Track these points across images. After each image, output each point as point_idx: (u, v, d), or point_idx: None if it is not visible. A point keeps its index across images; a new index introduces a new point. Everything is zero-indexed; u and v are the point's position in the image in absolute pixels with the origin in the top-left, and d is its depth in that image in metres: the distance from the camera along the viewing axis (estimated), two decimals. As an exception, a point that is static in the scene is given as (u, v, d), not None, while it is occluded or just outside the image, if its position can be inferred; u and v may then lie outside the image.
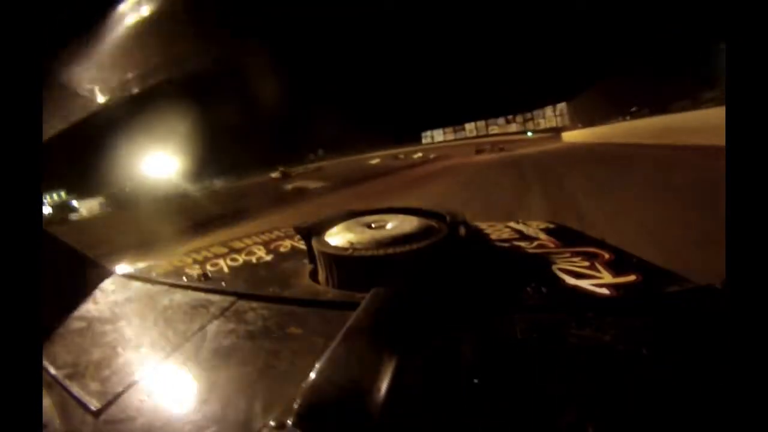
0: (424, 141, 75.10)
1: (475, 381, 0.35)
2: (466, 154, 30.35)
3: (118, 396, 0.41)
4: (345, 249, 0.58)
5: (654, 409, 0.31)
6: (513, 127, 59.46)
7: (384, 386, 0.31)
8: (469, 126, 69.50)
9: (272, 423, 0.33)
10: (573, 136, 27.73)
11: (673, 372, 0.35)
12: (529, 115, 57.06)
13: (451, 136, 71.44)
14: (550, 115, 53.04)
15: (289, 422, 0.30)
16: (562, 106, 50.53)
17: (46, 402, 0.42)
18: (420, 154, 40.24)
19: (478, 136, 65.03)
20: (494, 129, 63.66)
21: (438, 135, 74.35)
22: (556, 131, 47.31)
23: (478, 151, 31.18)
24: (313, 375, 0.33)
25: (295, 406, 0.31)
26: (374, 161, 39.16)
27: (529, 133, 54.30)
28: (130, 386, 0.42)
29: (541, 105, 54.53)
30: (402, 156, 40.70)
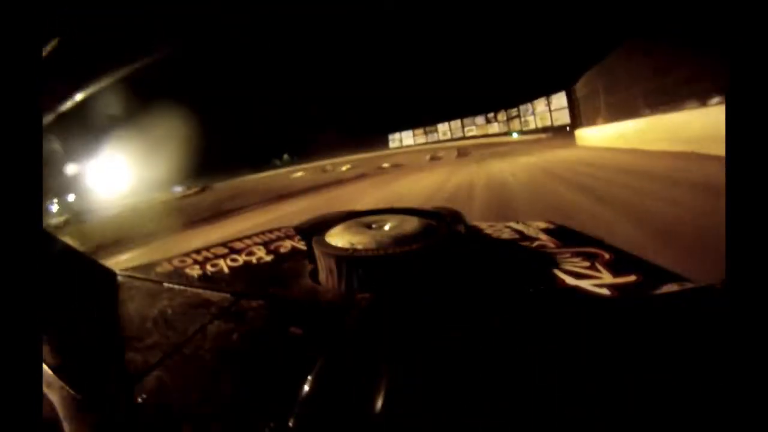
0: (392, 145, 63.73)
1: (474, 386, 0.35)
2: (414, 165, 20.94)
3: (118, 396, 0.41)
4: (345, 249, 0.58)
5: (654, 410, 0.31)
6: (495, 128, 46.97)
7: (384, 387, 0.31)
8: (442, 127, 56.95)
9: (272, 424, 0.33)
10: (599, 138, 14.49)
11: (673, 372, 0.34)
12: (514, 112, 44.67)
13: (422, 139, 59.48)
14: (542, 111, 40.54)
15: (290, 423, 0.30)
16: (558, 97, 37.57)
17: (47, 402, 0.41)
18: (348, 167, 32.25)
19: (452, 139, 53.10)
20: (471, 130, 51.01)
21: (407, 138, 62.45)
22: (554, 130, 34.86)
23: (433, 159, 24.46)
24: (313, 375, 0.33)
25: (296, 407, 0.31)
26: (297, 174, 34.13)
27: (515, 134, 41.86)
28: (130, 386, 0.42)
29: (530, 98, 42.00)
30: (330, 167, 34.89)
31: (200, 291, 0.64)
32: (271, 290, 0.61)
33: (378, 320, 0.45)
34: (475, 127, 50.38)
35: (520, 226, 0.82)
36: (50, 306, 0.56)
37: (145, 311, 0.60)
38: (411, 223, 0.63)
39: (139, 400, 0.40)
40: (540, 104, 40.16)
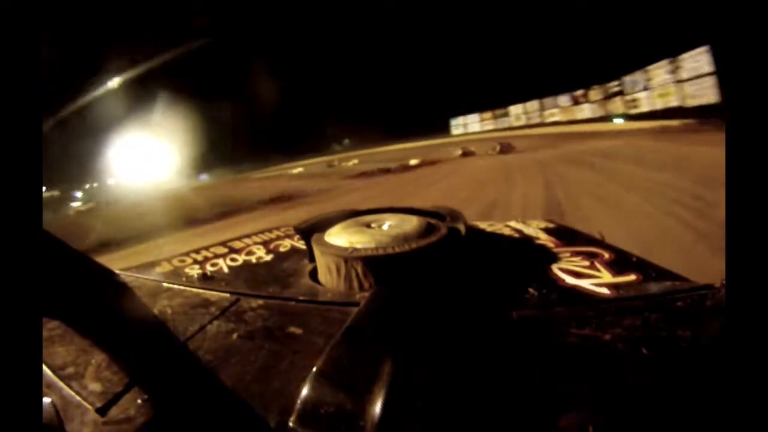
0: (454, 131, 54.17)
1: (474, 385, 0.35)
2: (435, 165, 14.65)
3: (118, 396, 0.41)
4: (345, 249, 0.59)
5: (654, 408, 0.31)
6: (585, 111, 34.86)
7: (383, 386, 0.32)
8: (516, 110, 45.80)
9: (273, 423, 0.34)
10: None
11: (672, 371, 0.35)
12: (614, 87, 32.04)
13: (490, 125, 48.98)
14: (663, 82, 27.32)
15: (290, 423, 0.31)
16: (693, 57, 23.28)
17: (47, 402, 0.42)
18: (355, 162, 28.55)
19: (527, 125, 41.97)
20: (553, 114, 39.30)
21: (473, 123, 52.38)
22: (687, 114, 22.15)
23: (465, 154, 20.10)
24: (312, 375, 0.34)
25: (296, 407, 0.32)
26: (296, 170, 30.29)
27: (618, 120, 29.35)
28: (130, 386, 0.43)
29: (640, 64, 28.79)
30: (336, 162, 30.71)
31: (200, 291, 0.64)
32: (271, 290, 0.62)
33: (378, 319, 0.44)
34: (558, 110, 38.51)
35: (520, 226, 0.81)
36: (50, 306, 0.56)
37: (144, 311, 0.61)
38: (410, 222, 0.64)
39: (140, 400, 0.40)
40: (659, 72, 27.03)
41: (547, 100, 40.27)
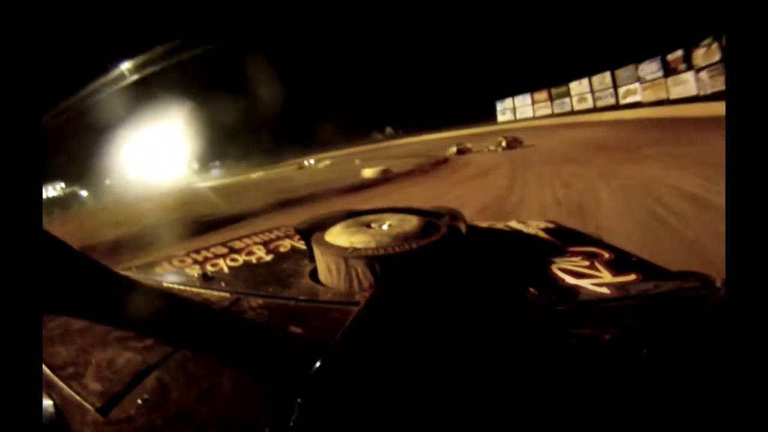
0: (501, 118, 43.09)
1: (475, 385, 0.35)
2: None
3: (118, 396, 0.42)
4: (345, 248, 0.59)
5: (654, 408, 0.31)
6: (688, 83, 22.29)
7: (383, 386, 0.32)
8: (578, 87, 33.53)
9: (273, 422, 0.34)
10: None
11: (672, 370, 0.35)
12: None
13: (545, 109, 37.27)
14: None
15: (291, 422, 0.32)
16: None
17: (47, 402, 0.42)
18: (327, 162, 24.66)
19: (594, 109, 30.00)
20: (633, 91, 26.85)
21: (523, 106, 40.84)
22: None
23: (460, 152, 16.33)
24: (313, 375, 0.35)
25: (296, 407, 0.32)
26: (255, 175, 25.73)
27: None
28: (130, 386, 0.43)
29: None
30: (312, 162, 26.89)
31: (200, 291, 0.65)
32: (271, 290, 0.63)
33: (378, 320, 0.45)
34: (641, 84, 25.84)
35: (520, 226, 0.81)
36: (50, 306, 0.56)
37: (145, 311, 0.61)
38: (410, 222, 0.64)
39: (140, 400, 0.40)
40: None
41: (622, 72, 27.64)
